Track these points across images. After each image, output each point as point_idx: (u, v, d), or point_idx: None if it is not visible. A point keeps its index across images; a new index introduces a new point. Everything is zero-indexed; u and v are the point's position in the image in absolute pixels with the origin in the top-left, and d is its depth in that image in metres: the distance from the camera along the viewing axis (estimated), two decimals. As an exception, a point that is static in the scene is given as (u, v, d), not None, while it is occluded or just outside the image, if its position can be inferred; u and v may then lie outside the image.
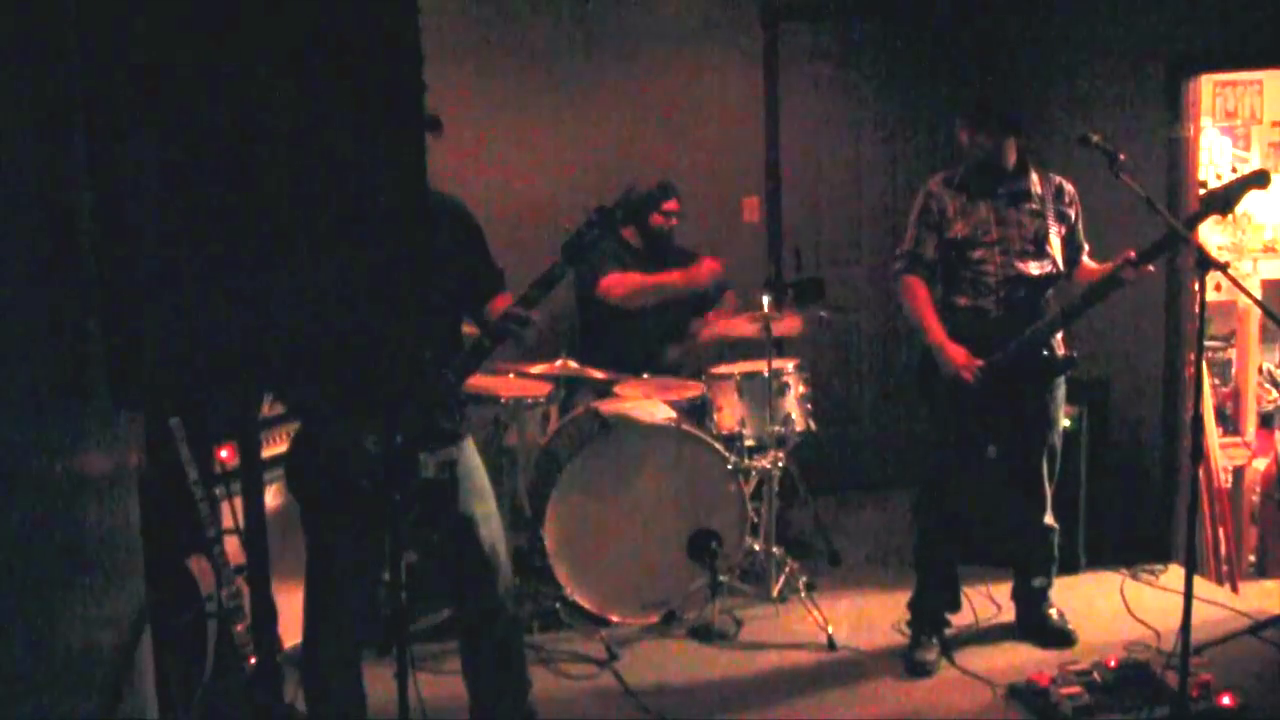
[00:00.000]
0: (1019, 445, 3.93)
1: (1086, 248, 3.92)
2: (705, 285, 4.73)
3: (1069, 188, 3.87)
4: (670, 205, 4.76)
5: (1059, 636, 3.98)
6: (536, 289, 2.88)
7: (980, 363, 3.71)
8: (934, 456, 3.99)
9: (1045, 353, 3.77)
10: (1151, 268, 3.59)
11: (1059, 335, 3.83)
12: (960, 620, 4.16)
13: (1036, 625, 4.05)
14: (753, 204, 5.82)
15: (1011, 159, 3.79)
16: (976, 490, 4.03)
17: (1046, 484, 3.98)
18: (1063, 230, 3.83)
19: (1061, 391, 3.95)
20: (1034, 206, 3.79)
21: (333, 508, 2.84)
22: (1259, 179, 3.38)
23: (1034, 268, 3.77)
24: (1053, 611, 4.06)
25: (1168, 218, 3.43)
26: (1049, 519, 4.01)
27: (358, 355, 2.39)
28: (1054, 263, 3.79)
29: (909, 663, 3.87)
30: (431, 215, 2.26)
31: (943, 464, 3.96)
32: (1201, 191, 3.38)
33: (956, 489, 3.96)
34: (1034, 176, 3.83)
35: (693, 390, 4.48)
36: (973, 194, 3.81)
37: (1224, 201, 3.39)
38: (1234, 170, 5.09)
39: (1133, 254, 3.57)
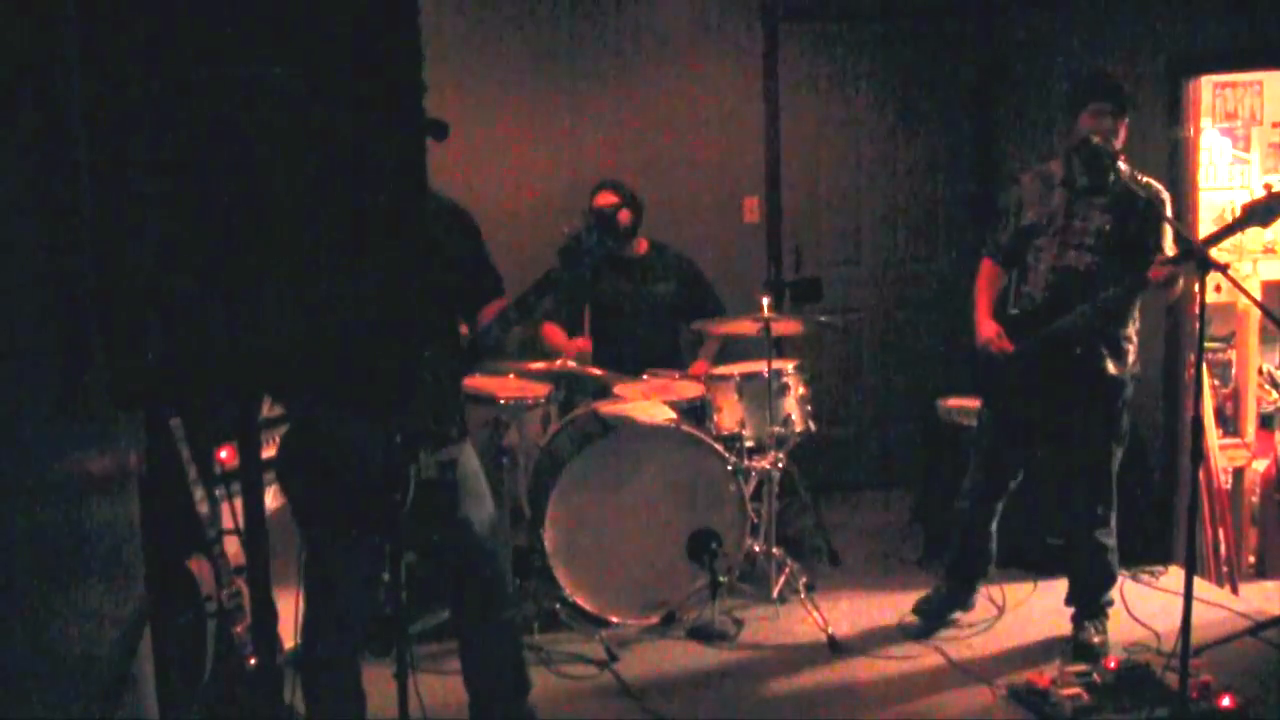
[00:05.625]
0: (1070, 449, 3.90)
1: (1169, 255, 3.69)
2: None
3: (1155, 190, 3.69)
4: (603, 199, 4.59)
5: (1081, 649, 3.89)
6: (533, 294, 2.88)
7: (1009, 346, 3.75)
8: (981, 444, 4.03)
9: (1078, 348, 3.69)
10: (1177, 269, 3.55)
11: (1126, 351, 3.77)
12: (960, 620, 4.18)
13: (1072, 636, 3.98)
14: (753, 204, 5.82)
15: (1119, 151, 3.66)
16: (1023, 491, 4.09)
17: (1098, 497, 3.88)
18: (1130, 233, 3.69)
19: (1123, 400, 3.80)
20: (1105, 201, 3.70)
21: (327, 508, 2.84)
22: None
23: (1086, 261, 3.70)
24: (1091, 628, 3.93)
25: (1169, 219, 3.44)
26: (1098, 533, 3.90)
27: (357, 356, 2.39)
28: (1109, 262, 3.68)
29: (920, 606, 4.15)
30: (431, 216, 2.26)
31: (990, 452, 4.00)
32: (1245, 200, 3.36)
33: (1000, 479, 4.02)
34: (1119, 173, 3.68)
35: (693, 391, 4.48)
36: (1056, 184, 3.78)
37: (1266, 213, 3.29)
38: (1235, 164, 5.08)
39: (1161, 257, 3.57)
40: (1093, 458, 3.86)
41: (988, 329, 3.80)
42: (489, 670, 3.11)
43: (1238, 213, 3.40)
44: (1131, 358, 3.80)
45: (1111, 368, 3.75)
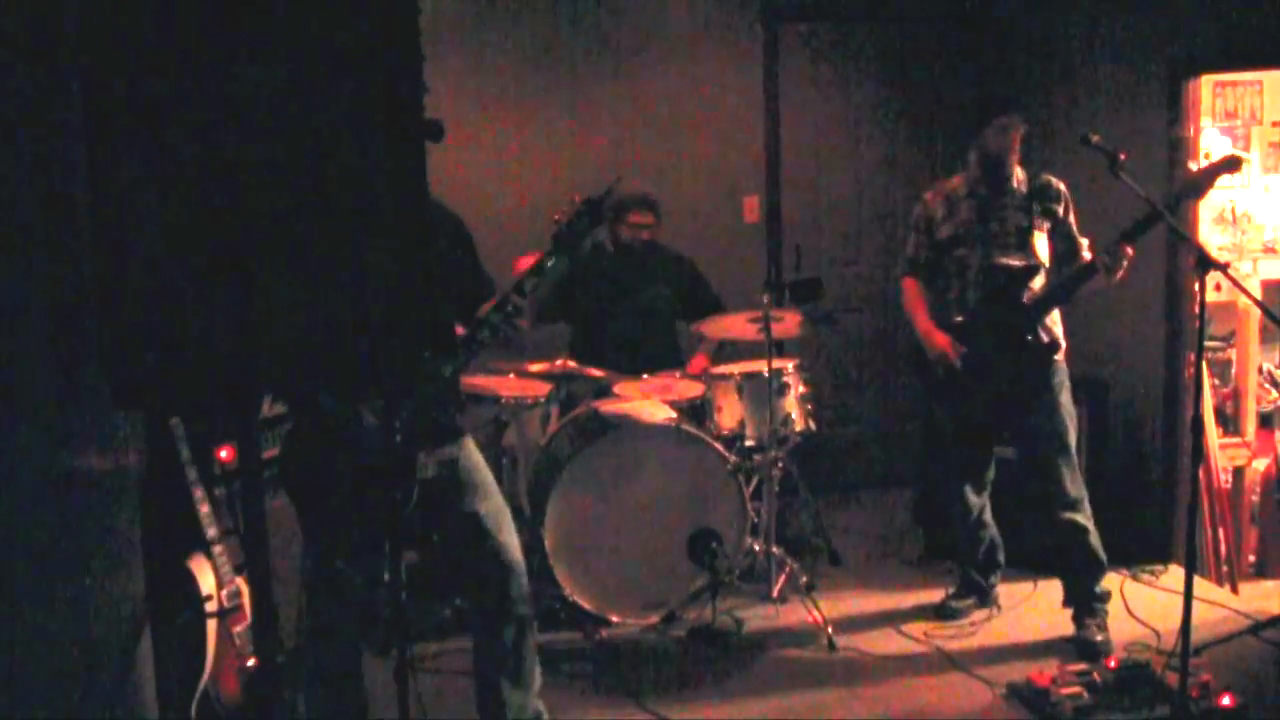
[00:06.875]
0: (1026, 442, 4.01)
1: (1085, 243, 3.97)
2: None
3: (1057, 186, 3.98)
4: (637, 218, 4.64)
5: (1083, 647, 3.90)
6: (529, 279, 2.91)
7: (962, 348, 3.93)
8: (936, 451, 4.11)
9: (1029, 338, 3.88)
10: (1130, 250, 3.66)
11: (1056, 326, 3.94)
12: (960, 620, 4.19)
13: (1074, 635, 3.99)
14: (753, 204, 5.82)
15: (1017, 159, 3.95)
16: (999, 492, 4.22)
17: (1065, 480, 3.94)
18: (1048, 227, 3.94)
19: (1061, 384, 3.94)
20: (1016, 203, 3.94)
21: (330, 508, 2.84)
22: (1229, 164, 3.51)
23: (1015, 260, 3.91)
24: (1093, 626, 3.95)
25: (1167, 219, 3.45)
26: (1071, 515, 3.95)
27: (358, 355, 2.40)
28: (1036, 257, 3.91)
29: (940, 606, 4.28)
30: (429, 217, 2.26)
31: (944, 457, 4.11)
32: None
33: (961, 482, 4.15)
34: (1019, 174, 3.97)
35: (693, 390, 4.48)
36: (962, 196, 4.00)
37: (1195, 187, 3.58)
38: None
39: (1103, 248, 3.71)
40: (1050, 438, 3.93)
41: (940, 339, 3.98)
42: (501, 665, 3.10)
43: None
44: (1062, 344, 3.97)
45: (1054, 355, 3.94)
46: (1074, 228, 3.98)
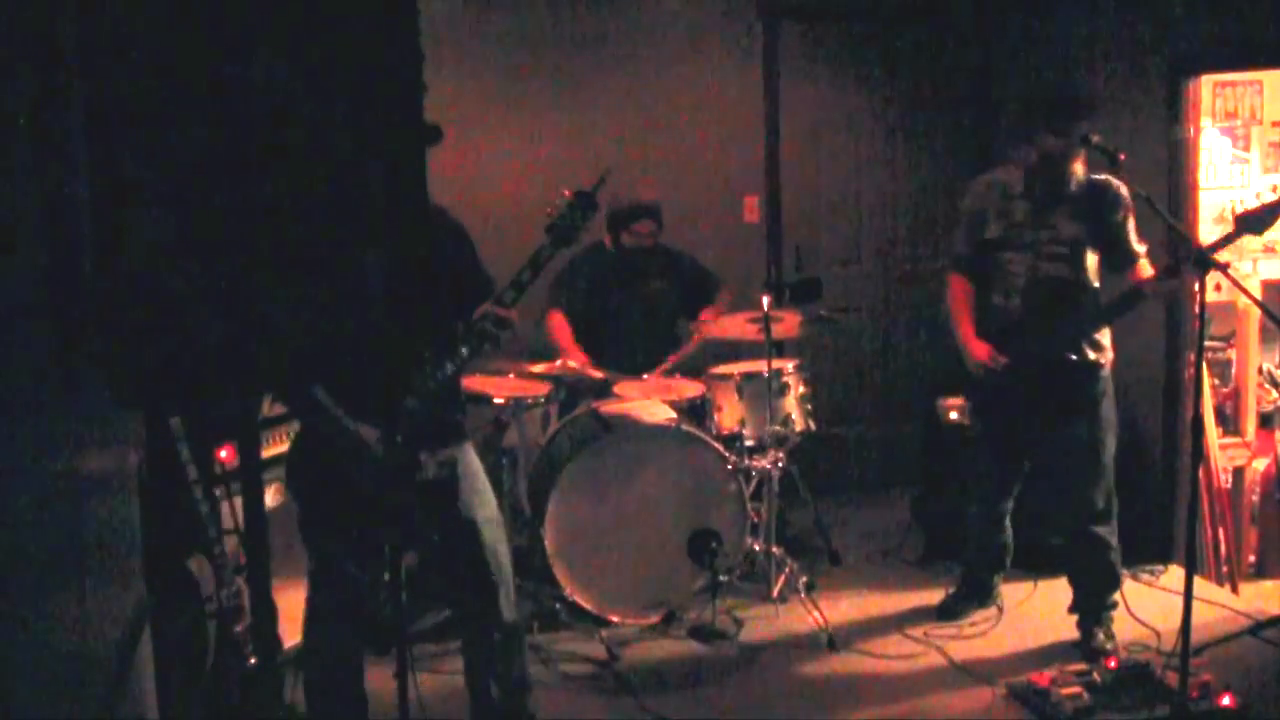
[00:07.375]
0: (1062, 449, 3.91)
1: (1142, 249, 3.78)
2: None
3: (1116, 190, 3.74)
4: (641, 228, 4.64)
5: (1090, 655, 3.87)
6: (527, 271, 2.91)
7: (1004, 360, 3.78)
8: (981, 455, 4.09)
9: (1074, 357, 3.77)
10: (1177, 282, 3.62)
11: (1104, 336, 3.83)
12: (960, 621, 4.19)
13: (1081, 642, 3.97)
14: (753, 204, 5.82)
15: (1080, 158, 3.72)
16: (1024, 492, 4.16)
17: (1096, 492, 3.89)
18: (1101, 233, 3.75)
19: (1103, 392, 3.86)
20: (1071, 209, 3.75)
21: (334, 508, 2.84)
22: None
23: (1064, 271, 3.76)
24: (1100, 634, 3.93)
25: (1167, 219, 3.45)
26: (1098, 530, 3.90)
27: (357, 356, 2.40)
28: (1085, 272, 3.77)
29: (941, 606, 4.27)
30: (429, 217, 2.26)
31: (973, 460, 4.08)
32: (1238, 210, 3.38)
33: (999, 487, 4.12)
34: (1078, 173, 3.76)
35: (693, 390, 4.48)
36: (1016, 194, 3.82)
37: (1259, 222, 3.31)
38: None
39: (1152, 276, 3.63)
40: (1086, 448, 3.87)
41: (980, 350, 3.83)
42: (490, 670, 3.11)
43: (1236, 212, 3.42)
44: (1109, 354, 3.85)
45: (1100, 367, 3.83)
46: (1131, 235, 3.76)
